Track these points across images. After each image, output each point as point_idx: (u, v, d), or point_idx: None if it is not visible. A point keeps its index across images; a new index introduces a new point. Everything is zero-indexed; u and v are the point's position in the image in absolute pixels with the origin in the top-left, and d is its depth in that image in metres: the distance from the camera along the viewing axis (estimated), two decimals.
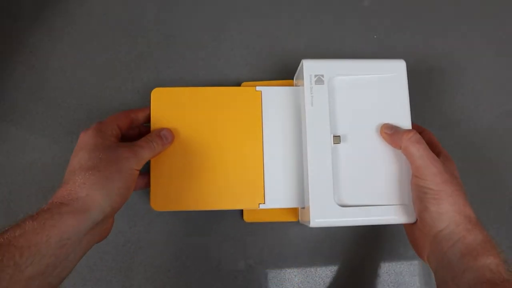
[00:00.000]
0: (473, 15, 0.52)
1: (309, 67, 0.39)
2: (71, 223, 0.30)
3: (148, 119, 0.41)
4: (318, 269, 0.44)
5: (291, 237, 0.45)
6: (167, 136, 0.40)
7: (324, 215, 0.37)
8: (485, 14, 0.52)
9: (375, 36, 0.51)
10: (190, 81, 0.48)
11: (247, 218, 0.43)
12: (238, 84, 0.47)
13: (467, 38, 0.51)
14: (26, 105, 0.46)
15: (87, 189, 0.31)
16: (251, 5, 0.51)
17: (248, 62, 0.49)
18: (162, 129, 0.40)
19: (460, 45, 0.51)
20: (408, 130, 0.37)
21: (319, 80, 0.39)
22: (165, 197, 0.40)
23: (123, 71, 0.47)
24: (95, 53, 0.48)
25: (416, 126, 0.41)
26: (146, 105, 0.46)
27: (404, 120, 0.39)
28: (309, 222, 0.37)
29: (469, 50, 0.51)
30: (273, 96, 0.43)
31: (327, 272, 0.44)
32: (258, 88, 0.43)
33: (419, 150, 0.35)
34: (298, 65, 0.41)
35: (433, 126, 0.48)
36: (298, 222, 0.44)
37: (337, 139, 0.39)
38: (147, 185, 0.41)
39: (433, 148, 0.37)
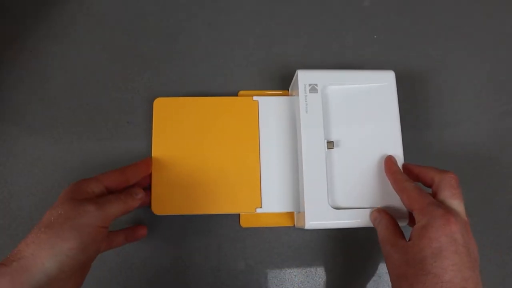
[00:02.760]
0: (473, 14, 0.52)
1: (304, 77, 0.41)
2: (6, 286, 0.27)
3: (138, 179, 0.40)
4: (318, 269, 0.44)
5: (291, 238, 0.45)
6: (137, 193, 0.37)
7: (318, 217, 0.38)
8: (485, 13, 0.52)
9: (375, 36, 0.51)
10: (190, 81, 0.48)
11: (243, 223, 0.44)
12: (236, 88, 0.47)
13: (468, 37, 0.51)
14: (26, 105, 0.46)
15: (34, 248, 0.29)
16: (251, 7, 0.51)
17: (248, 62, 0.49)
18: (133, 188, 0.38)
19: (461, 44, 0.51)
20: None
21: (313, 89, 0.41)
22: (166, 202, 0.42)
23: (123, 71, 0.47)
24: (95, 53, 0.48)
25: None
26: (146, 104, 0.46)
27: (393, 127, 0.41)
28: (304, 225, 0.38)
29: (469, 49, 0.51)
30: (269, 106, 0.45)
31: (327, 272, 0.44)
32: (255, 98, 0.45)
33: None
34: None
35: (433, 125, 0.48)
36: (293, 227, 0.44)
37: (330, 144, 0.40)
38: (124, 241, 0.40)
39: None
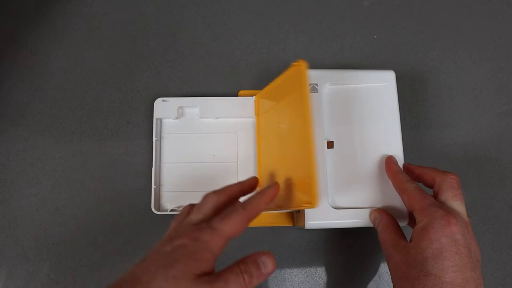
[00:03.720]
0: (473, 14, 0.52)
1: None
2: None
3: (244, 194, 0.33)
4: (318, 269, 0.44)
5: (291, 237, 0.45)
6: (266, 264, 0.28)
7: (318, 217, 0.38)
8: (485, 13, 0.52)
9: (375, 36, 0.51)
10: (190, 81, 0.48)
11: None
12: (236, 88, 0.47)
13: (468, 37, 0.51)
14: (26, 105, 0.46)
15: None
16: (251, 6, 0.51)
17: (248, 62, 0.49)
18: (262, 253, 0.28)
19: (461, 44, 0.51)
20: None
21: (314, 88, 0.41)
22: None
23: (123, 71, 0.47)
24: (95, 53, 0.48)
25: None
26: (146, 104, 0.46)
27: (393, 127, 0.41)
28: (304, 225, 0.38)
29: (469, 49, 0.51)
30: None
31: (327, 272, 0.44)
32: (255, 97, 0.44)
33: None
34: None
35: (433, 125, 0.48)
36: (293, 227, 0.44)
37: (330, 144, 0.40)
38: None
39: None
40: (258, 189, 0.37)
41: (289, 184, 0.37)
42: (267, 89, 0.42)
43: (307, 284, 0.44)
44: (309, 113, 0.34)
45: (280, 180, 0.38)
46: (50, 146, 0.45)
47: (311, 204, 0.34)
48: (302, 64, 0.35)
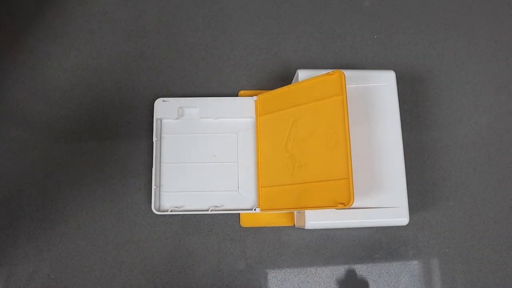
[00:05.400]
0: (473, 14, 0.52)
1: (304, 76, 0.41)
2: None
3: None
4: (318, 269, 0.44)
5: (291, 238, 0.45)
6: None
7: (318, 217, 0.38)
8: (486, 13, 0.52)
9: (375, 36, 0.51)
10: (190, 81, 0.48)
11: (243, 223, 0.44)
12: (236, 88, 0.48)
13: (469, 37, 0.51)
14: (26, 105, 0.46)
15: None
16: (251, 6, 0.51)
17: (248, 62, 0.49)
18: None
19: (461, 44, 0.51)
20: None
21: None
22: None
23: (123, 71, 0.47)
24: (95, 53, 0.48)
25: None
26: (146, 104, 0.46)
27: (393, 127, 0.41)
28: (304, 225, 0.38)
29: (469, 49, 0.51)
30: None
31: (327, 272, 0.44)
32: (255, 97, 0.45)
33: None
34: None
35: (433, 125, 0.48)
36: (293, 227, 0.44)
37: None
38: None
39: None
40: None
41: (311, 184, 0.37)
42: (280, 91, 0.42)
43: (307, 284, 0.44)
44: (347, 117, 0.36)
45: (296, 180, 0.39)
46: (50, 146, 0.45)
47: (345, 204, 0.34)
48: (340, 72, 0.37)
